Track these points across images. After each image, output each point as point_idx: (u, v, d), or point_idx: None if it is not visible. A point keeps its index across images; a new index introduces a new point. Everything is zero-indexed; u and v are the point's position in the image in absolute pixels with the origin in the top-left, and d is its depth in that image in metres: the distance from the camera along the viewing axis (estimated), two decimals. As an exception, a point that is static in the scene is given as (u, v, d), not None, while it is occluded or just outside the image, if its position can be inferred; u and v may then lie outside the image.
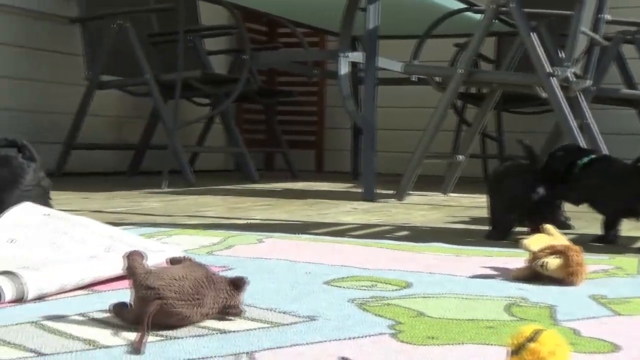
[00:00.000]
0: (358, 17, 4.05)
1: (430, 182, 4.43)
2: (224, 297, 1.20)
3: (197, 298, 1.15)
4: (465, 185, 4.57)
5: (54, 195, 3.49)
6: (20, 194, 1.75)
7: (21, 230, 1.55)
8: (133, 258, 1.17)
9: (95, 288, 1.45)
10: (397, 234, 2.55)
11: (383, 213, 3.24)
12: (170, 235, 2.24)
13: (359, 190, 4.37)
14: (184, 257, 1.23)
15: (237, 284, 1.22)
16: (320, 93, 7.26)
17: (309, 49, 5.98)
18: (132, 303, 1.16)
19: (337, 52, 4.06)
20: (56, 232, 1.56)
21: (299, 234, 2.38)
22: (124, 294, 1.40)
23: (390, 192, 4.00)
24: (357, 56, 4.13)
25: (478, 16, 4.70)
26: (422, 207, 3.55)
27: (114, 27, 4.75)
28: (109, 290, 1.44)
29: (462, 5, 4.71)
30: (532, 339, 0.88)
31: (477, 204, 3.77)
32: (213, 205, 3.47)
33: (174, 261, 1.23)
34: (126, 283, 1.48)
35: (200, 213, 3.07)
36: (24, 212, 1.60)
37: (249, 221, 2.80)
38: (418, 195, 4.12)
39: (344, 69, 4.05)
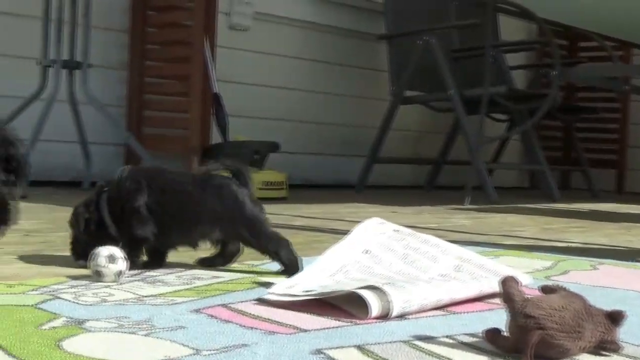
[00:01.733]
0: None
1: None
2: (601, 330, 1.14)
3: (578, 330, 1.10)
4: None
5: (362, 207, 3.57)
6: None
7: (374, 243, 1.59)
8: (509, 284, 1.14)
9: (450, 309, 1.44)
10: None
11: None
12: (498, 257, 2.19)
13: (675, 214, 4.09)
14: (558, 285, 1.18)
15: (615, 318, 1.15)
16: (624, 109, 6.89)
17: (623, 63, 5.70)
18: (509, 330, 1.13)
19: (657, 67, 3.82)
20: (408, 248, 1.58)
21: (632, 260, 2.24)
22: (479, 316, 1.39)
23: None
24: (681, 71, 3.86)
25: None
26: None
27: (419, 43, 4.81)
28: (463, 312, 1.42)
29: None
30: None
31: None
32: (523, 224, 3.39)
33: (546, 289, 1.18)
34: (479, 306, 1.47)
35: (514, 233, 3.00)
36: (375, 225, 1.64)
37: (569, 244, 2.70)
38: None
39: (664, 85, 3.80)
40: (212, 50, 4.41)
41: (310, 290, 1.41)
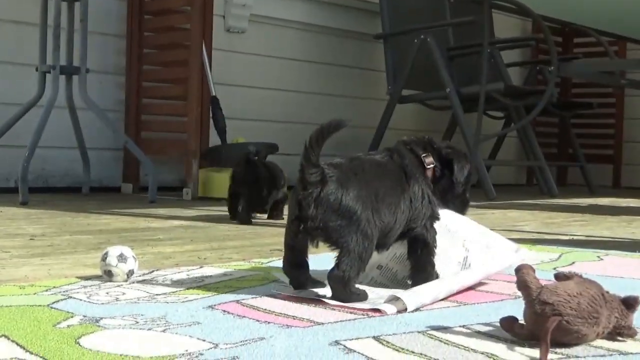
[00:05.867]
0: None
1: None
2: (617, 316, 1.15)
3: (594, 316, 1.10)
4: None
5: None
6: None
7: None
8: (525, 272, 1.14)
9: (462, 300, 1.44)
10: None
11: None
12: (503, 250, 2.20)
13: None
14: (572, 272, 1.19)
15: (630, 304, 1.16)
16: (619, 104, 6.91)
17: (621, 58, 5.71)
18: (525, 318, 1.13)
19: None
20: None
21: (637, 251, 2.25)
22: (492, 307, 1.39)
23: None
24: (677, 64, 3.87)
25: None
26: None
27: (416, 42, 4.82)
28: (476, 303, 1.43)
29: None
30: None
31: None
32: (524, 219, 3.40)
33: (561, 277, 1.19)
34: (491, 297, 1.48)
35: (517, 227, 3.01)
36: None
37: (572, 237, 2.70)
38: None
39: (661, 78, 3.82)
40: (209, 53, 4.41)
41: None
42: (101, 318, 1.23)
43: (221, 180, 4.07)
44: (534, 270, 1.16)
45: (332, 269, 1.37)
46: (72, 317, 1.24)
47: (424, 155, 1.54)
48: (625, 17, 4.76)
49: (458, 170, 1.55)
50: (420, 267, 1.49)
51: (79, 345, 1.06)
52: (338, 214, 1.36)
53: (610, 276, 1.78)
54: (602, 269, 1.90)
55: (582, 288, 1.12)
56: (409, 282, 1.51)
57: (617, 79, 5.29)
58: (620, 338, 1.16)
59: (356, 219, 1.36)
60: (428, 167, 1.53)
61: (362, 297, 1.38)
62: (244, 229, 2.71)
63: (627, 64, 5.71)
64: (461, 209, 1.62)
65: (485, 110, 5.58)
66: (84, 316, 1.24)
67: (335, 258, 1.37)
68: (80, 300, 1.37)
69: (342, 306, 1.35)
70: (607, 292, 1.16)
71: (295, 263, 1.45)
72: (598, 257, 2.12)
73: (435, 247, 1.50)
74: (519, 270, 1.16)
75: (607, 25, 5.10)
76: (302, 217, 1.37)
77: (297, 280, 1.46)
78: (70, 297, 1.39)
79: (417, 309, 1.34)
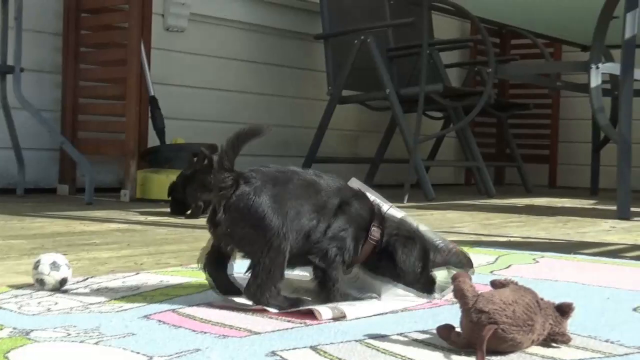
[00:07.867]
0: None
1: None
2: (551, 323, 1.16)
3: (529, 324, 1.11)
4: None
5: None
6: None
7: None
8: (461, 280, 1.15)
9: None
10: (675, 256, 2.38)
11: (647, 233, 3.06)
12: (442, 253, 2.21)
13: (606, 207, 4.20)
14: (508, 279, 1.20)
15: (564, 310, 1.17)
16: (554, 105, 7.02)
17: (557, 60, 5.80)
18: (462, 326, 1.13)
19: (588, 63, 3.90)
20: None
21: (572, 253, 2.29)
22: (430, 313, 1.40)
23: (646, 210, 3.79)
24: (611, 67, 3.95)
25: None
26: (687, 227, 3.32)
27: (356, 43, 4.83)
28: (412, 309, 1.43)
29: None
30: None
31: None
32: (463, 221, 3.43)
33: (497, 284, 1.19)
34: (426, 302, 1.48)
35: (455, 229, 3.03)
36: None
37: (509, 239, 2.74)
38: (676, 214, 3.86)
39: (595, 80, 3.89)
40: (147, 52, 4.36)
41: None
42: (32, 330, 1.20)
43: (160, 182, 4.03)
44: (470, 278, 1.16)
45: (247, 283, 1.35)
46: (1, 329, 1.20)
47: (374, 225, 1.42)
48: (560, 20, 4.84)
49: (402, 258, 1.41)
50: (321, 287, 1.40)
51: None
52: (246, 221, 1.32)
53: (545, 279, 1.80)
54: (537, 272, 1.92)
55: (517, 296, 1.13)
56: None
57: (552, 81, 5.38)
58: (554, 345, 1.17)
59: (264, 228, 1.31)
60: (371, 238, 1.41)
61: (286, 302, 1.36)
62: (182, 233, 2.68)
63: (562, 66, 5.81)
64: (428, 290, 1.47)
65: (425, 111, 5.61)
66: (14, 328, 1.21)
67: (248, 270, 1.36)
68: (11, 311, 1.33)
69: (280, 314, 1.34)
70: (542, 299, 1.17)
71: (216, 262, 1.42)
72: (534, 259, 2.14)
73: (334, 270, 1.38)
74: (455, 278, 1.16)
75: (543, 27, 5.18)
76: (212, 221, 1.35)
77: (220, 282, 1.43)
78: (0, 308, 1.35)
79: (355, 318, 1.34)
